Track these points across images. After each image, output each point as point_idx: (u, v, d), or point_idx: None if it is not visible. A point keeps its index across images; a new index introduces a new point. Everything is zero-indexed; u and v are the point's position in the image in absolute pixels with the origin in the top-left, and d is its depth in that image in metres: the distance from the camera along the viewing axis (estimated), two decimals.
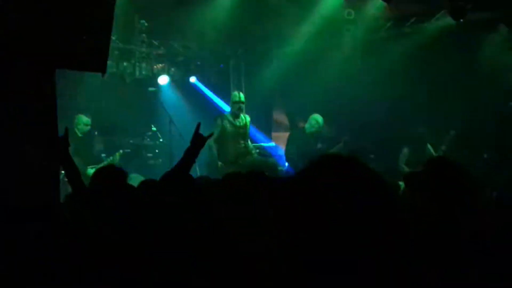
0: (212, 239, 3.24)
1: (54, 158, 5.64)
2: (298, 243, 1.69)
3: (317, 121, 11.40)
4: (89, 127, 10.95)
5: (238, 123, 11.08)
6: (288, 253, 1.72)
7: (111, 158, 11.02)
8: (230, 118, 11.06)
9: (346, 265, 1.65)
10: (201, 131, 5.07)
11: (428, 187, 3.88)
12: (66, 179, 5.53)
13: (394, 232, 1.71)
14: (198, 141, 4.93)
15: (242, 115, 11.16)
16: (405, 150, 11.16)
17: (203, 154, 10.87)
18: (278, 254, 1.76)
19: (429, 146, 10.92)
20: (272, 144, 11.82)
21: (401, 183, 6.31)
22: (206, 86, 13.57)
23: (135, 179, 8.70)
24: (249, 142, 11.41)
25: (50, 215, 3.97)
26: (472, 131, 11.06)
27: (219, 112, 11.59)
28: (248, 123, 11.25)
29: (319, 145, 11.48)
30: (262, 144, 11.97)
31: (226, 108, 12.39)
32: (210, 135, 5.13)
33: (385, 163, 11.21)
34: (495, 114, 11.08)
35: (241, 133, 11.12)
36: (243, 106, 11.09)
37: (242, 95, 11.19)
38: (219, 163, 10.79)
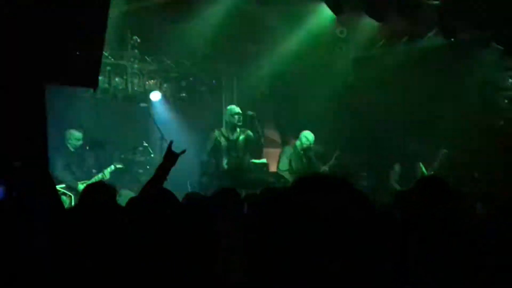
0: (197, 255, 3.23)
1: (43, 174, 5.60)
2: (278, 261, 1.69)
3: (307, 138, 11.44)
4: (81, 142, 10.91)
5: (232, 137, 11.18)
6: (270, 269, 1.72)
7: (101, 174, 10.96)
8: (225, 132, 11.18)
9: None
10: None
11: (418, 205, 3.89)
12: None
13: (374, 253, 1.71)
14: (170, 158, 4.97)
15: (238, 129, 11.24)
16: (397, 168, 11.17)
17: (196, 169, 10.97)
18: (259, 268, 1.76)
19: (420, 164, 10.94)
20: (264, 161, 11.81)
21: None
22: (195, 102, 13.54)
23: (125, 196, 8.66)
24: (253, 158, 11.49)
25: (42, 228, 3.94)
26: (463, 150, 11.09)
27: (212, 128, 11.59)
28: (246, 138, 11.29)
29: (312, 157, 11.48)
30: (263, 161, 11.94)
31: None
32: (183, 152, 5.17)
33: (376, 181, 11.24)
34: (486, 133, 11.12)
35: (233, 146, 11.18)
36: (241, 117, 11.20)
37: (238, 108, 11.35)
38: (204, 178, 10.84)
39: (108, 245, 2.92)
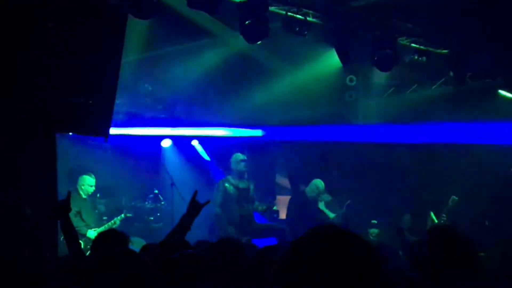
0: None
1: (52, 220, 5.64)
2: None
3: (317, 186, 11.41)
4: (93, 188, 10.88)
5: (241, 185, 11.02)
6: None
7: (112, 221, 10.93)
8: (233, 181, 11.00)
9: None
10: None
11: (431, 256, 3.90)
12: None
13: None
14: (193, 208, 4.95)
15: (245, 179, 11.15)
16: (407, 217, 11.12)
17: (206, 218, 10.92)
18: None
19: (431, 213, 10.89)
20: (274, 207, 11.83)
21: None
22: (206, 150, 13.59)
23: (137, 243, 8.65)
24: (256, 204, 11.37)
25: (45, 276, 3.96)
26: (474, 198, 11.04)
27: (221, 176, 11.56)
28: (251, 189, 11.23)
29: (320, 205, 11.47)
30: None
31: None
32: (207, 203, 5.12)
33: (387, 230, 11.18)
34: (497, 181, 11.08)
35: (244, 195, 11.05)
36: (247, 163, 11.14)
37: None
38: (230, 227, 10.69)
39: None
